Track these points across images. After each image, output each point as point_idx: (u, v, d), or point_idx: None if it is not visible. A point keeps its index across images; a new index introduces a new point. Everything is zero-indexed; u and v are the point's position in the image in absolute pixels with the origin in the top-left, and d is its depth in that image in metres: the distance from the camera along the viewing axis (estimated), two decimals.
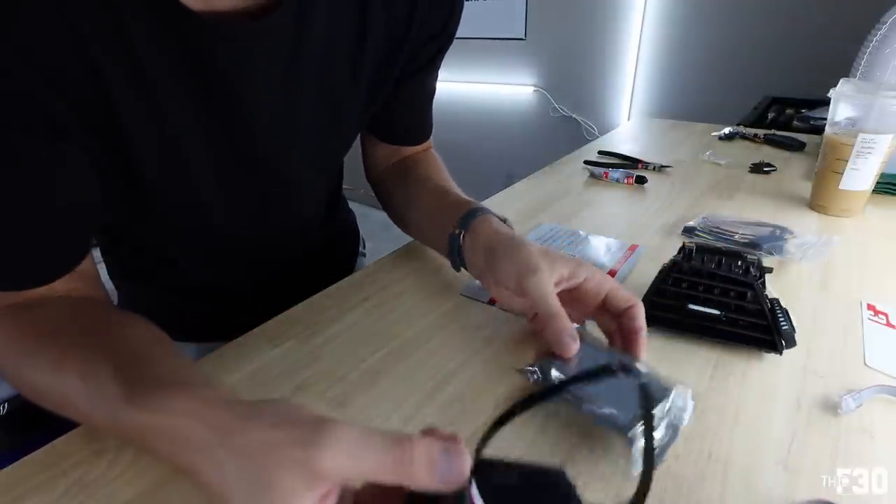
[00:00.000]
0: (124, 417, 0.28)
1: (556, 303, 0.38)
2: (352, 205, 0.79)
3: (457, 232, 0.47)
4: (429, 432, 0.21)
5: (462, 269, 0.49)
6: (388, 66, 0.48)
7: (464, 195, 0.53)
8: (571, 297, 0.41)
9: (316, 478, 0.20)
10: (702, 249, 0.46)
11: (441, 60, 0.54)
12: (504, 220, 0.48)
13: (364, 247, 0.80)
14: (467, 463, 0.21)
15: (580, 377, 0.25)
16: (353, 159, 0.64)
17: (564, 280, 0.40)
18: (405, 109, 0.57)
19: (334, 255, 0.72)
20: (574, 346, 0.37)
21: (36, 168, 0.33)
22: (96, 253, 0.59)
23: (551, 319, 0.37)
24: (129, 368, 0.30)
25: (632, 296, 0.39)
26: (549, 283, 0.38)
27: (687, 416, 0.33)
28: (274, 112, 0.42)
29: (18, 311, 0.36)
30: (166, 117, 0.37)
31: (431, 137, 0.65)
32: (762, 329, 0.42)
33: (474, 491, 0.20)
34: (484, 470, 0.21)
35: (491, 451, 0.22)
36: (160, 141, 0.38)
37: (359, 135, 0.61)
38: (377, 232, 1.57)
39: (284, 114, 0.43)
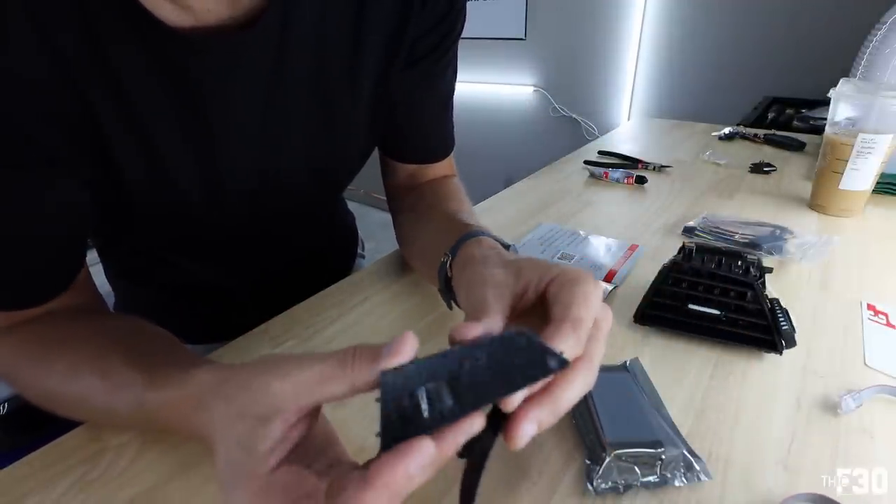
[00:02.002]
0: (148, 399, 0.30)
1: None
2: (351, 205, 0.79)
3: (443, 259, 0.40)
4: None
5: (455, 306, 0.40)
6: (390, 65, 0.46)
7: (470, 219, 0.45)
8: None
9: (271, 405, 0.22)
10: (702, 249, 0.46)
11: (449, 59, 0.50)
12: (507, 246, 0.39)
13: (363, 248, 0.80)
14: (411, 336, 0.22)
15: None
16: None
17: (510, 302, 0.29)
18: (416, 118, 0.52)
19: (332, 257, 0.71)
20: None
21: (24, 194, 0.34)
22: (92, 254, 0.59)
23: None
24: (144, 359, 0.32)
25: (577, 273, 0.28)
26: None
27: None
28: (261, 124, 0.41)
29: (20, 327, 0.37)
30: (152, 137, 0.37)
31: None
32: (762, 329, 0.42)
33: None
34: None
35: None
36: (148, 160, 0.38)
37: (381, 165, 0.58)
38: (376, 232, 1.57)
39: (272, 125, 0.42)
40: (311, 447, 0.25)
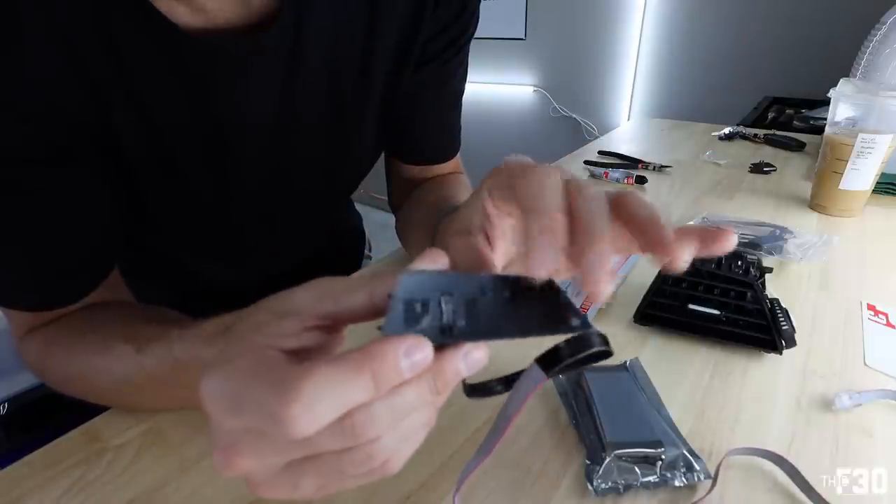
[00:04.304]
0: (177, 350, 0.30)
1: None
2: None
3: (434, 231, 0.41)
4: None
5: None
6: (401, 67, 0.46)
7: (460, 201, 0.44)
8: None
9: (291, 306, 0.21)
10: None
11: (461, 59, 0.50)
12: None
13: (370, 249, 0.80)
14: (440, 251, 0.21)
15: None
16: None
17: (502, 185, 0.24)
18: (425, 118, 0.52)
19: (340, 259, 0.72)
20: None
21: (46, 192, 0.34)
22: None
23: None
24: (174, 322, 0.33)
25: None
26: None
27: None
28: (272, 125, 0.41)
29: (52, 322, 0.38)
30: (163, 135, 0.37)
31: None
32: (762, 329, 0.42)
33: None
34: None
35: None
36: (159, 160, 0.38)
37: (385, 164, 0.58)
38: (376, 232, 1.57)
39: (283, 127, 0.42)
40: None
